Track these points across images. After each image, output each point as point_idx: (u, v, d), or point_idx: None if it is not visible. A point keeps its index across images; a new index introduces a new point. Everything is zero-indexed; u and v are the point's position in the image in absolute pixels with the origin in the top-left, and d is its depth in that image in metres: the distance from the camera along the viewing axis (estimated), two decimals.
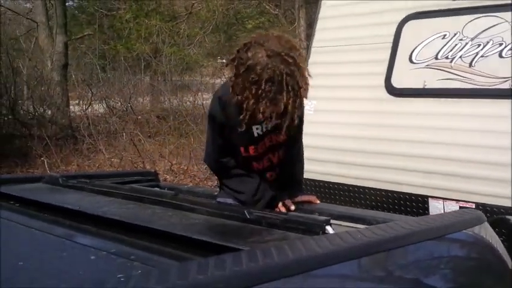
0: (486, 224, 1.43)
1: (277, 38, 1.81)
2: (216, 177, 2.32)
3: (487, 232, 1.40)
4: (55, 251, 1.27)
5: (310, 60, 3.71)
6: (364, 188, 3.21)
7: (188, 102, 10.76)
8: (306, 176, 3.48)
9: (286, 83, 1.74)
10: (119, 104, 10.68)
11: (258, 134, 1.99)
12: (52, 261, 1.21)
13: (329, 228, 1.27)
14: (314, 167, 3.46)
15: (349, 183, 3.28)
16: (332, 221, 1.44)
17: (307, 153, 3.48)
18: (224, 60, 12.83)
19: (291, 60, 1.75)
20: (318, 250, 1.03)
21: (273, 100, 1.73)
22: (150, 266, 1.12)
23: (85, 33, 13.26)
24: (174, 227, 1.39)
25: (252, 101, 1.74)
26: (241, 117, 1.80)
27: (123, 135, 8.69)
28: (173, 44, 10.41)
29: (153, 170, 2.68)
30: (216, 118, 1.99)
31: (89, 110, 10.55)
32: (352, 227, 1.64)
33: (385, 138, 3.17)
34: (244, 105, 1.77)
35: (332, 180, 3.38)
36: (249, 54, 1.77)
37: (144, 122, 9.89)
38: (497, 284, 1.41)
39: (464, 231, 1.35)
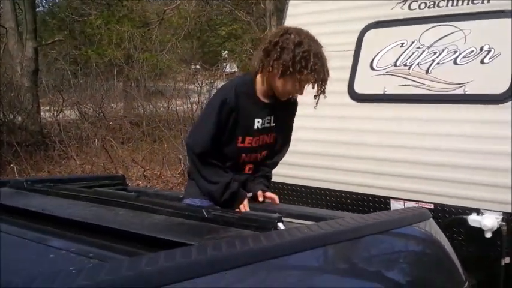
0: (431, 220, 1.53)
1: (297, 30, 2.09)
2: (188, 166, 2.42)
3: (432, 227, 1.50)
4: (15, 251, 1.31)
5: None
6: (328, 190, 3.30)
7: (162, 108, 10.76)
8: (277, 179, 3.59)
9: (315, 63, 2.01)
10: (91, 110, 10.60)
11: (257, 127, 2.18)
12: (13, 260, 1.25)
13: (280, 225, 1.34)
14: (279, 170, 3.54)
15: (313, 185, 3.37)
16: (287, 219, 1.52)
17: None
18: (198, 66, 12.89)
19: (319, 43, 2.07)
20: (266, 243, 1.10)
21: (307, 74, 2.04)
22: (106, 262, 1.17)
23: (56, 39, 13.13)
24: (133, 226, 1.44)
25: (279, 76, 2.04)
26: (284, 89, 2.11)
27: (95, 142, 8.64)
28: (145, 50, 10.42)
29: (120, 174, 2.71)
30: (226, 105, 2.10)
31: (60, 116, 10.44)
32: (305, 224, 1.72)
33: (348, 142, 3.27)
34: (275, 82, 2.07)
35: (297, 183, 3.46)
36: (281, 39, 2.05)
37: (117, 128, 9.85)
38: (441, 277, 1.50)
39: (409, 226, 1.44)
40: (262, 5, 9.28)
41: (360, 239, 1.27)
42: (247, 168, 2.25)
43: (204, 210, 1.53)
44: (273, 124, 2.23)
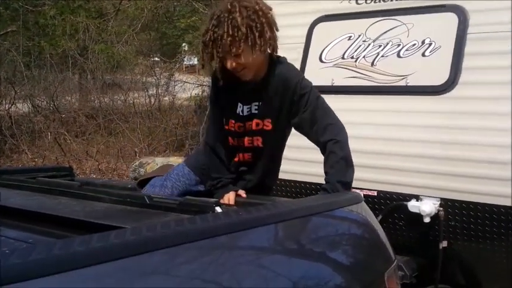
0: (363, 203, 1.61)
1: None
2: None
3: (364, 210, 1.58)
4: None
5: None
6: (280, 180, 3.37)
7: (119, 101, 10.63)
8: None
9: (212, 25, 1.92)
10: (45, 102, 10.35)
11: (241, 113, 2.08)
12: None
13: (218, 209, 1.39)
14: None
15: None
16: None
17: None
18: (156, 58, 12.74)
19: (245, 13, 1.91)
20: (200, 224, 1.15)
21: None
22: None
23: (8, 30, 12.68)
24: (74, 213, 1.46)
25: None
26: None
27: (48, 135, 8.46)
28: (101, 41, 10.24)
29: (67, 166, 2.70)
30: (214, 84, 2.11)
31: (12, 109, 10.14)
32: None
33: (296, 133, 3.34)
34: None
35: None
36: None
37: (71, 121, 9.67)
38: (372, 256, 1.59)
39: (342, 208, 1.52)
40: None
41: (292, 221, 1.34)
42: (241, 156, 2.14)
43: (146, 197, 1.57)
44: (255, 111, 2.09)
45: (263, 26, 1.96)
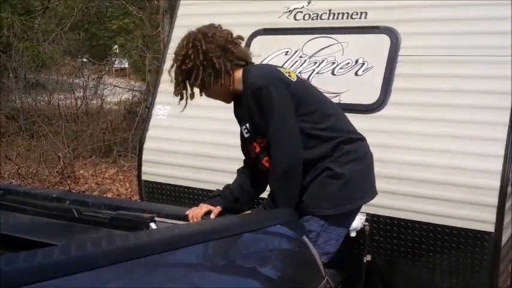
0: (298, 220, 1.63)
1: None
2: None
3: (297, 227, 1.59)
4: None
5: (165, 66, 3.77)
6: (205, 190, 3.33)
7: (42, 102, 10.11)
8: (161, 180, 3.55)
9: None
10: None
11: (246, 135, 2.03)
12: None
13: (152, 225, 1.35)
14: (167, 171, 3.52)
15: (202, 187, 3.38)
16: (169, 220, 1.52)
17: (161, 158, 3.55)
18: (84, 59, 12.28)
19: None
20: (132, 242, 1.10)
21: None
22: None
23: None
24: None
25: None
26: None
27: None
28: (26, 39, 9.72)
29: None
30: None
31: None
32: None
33: (236, 145, 3.33)
34: None
35: (185, 185, 3.46)
36: None
37: None
38: (304, 272, 1.60)
39: (277, 225, 1.52)
40: (156, 2, 9.12)
41: (228, 238, 1.32)
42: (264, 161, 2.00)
43: (74, 210, 1.49)
44: (247, 135, 2.03)
45: (212, 59, 1.94)
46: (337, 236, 1.97)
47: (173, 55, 2.02)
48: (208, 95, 2.07)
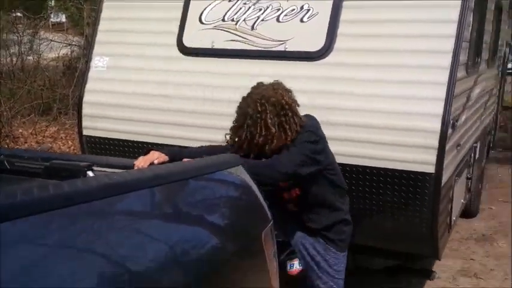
0: (241, 166, 1.60)
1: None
2: None
3: (241, 172, 1.57)
4: None
5: (102, 15, 3.58)
6: (156, 144, 3.26)
7: None
8: (102, 134, 3.43)
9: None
10: None
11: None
12: None
13: (90, 173, 1.28)
14: (108, 125, 3.40)
15: (141, 140, 3.31)
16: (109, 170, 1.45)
17: (101, 111, 3.42)
18: (19, 14, 11.52)
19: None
20: (66, 190, 1.04)
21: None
22: None
23: None
24: None
25: None
26: None
27: None
28: None
29: None
30: None
31: None
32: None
33: (176, 96, 3.25)
34: None
35: (124, 138, 3.37)
36: None
37: None
38: (251, 216, 1.60)
39: (221, 171, 1.49)
40: None
41: (170, 184, 1.28)
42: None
43: (6, 162, 1.39)
44: None
45: (290, 119, 2.26)
46: None
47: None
48: None
